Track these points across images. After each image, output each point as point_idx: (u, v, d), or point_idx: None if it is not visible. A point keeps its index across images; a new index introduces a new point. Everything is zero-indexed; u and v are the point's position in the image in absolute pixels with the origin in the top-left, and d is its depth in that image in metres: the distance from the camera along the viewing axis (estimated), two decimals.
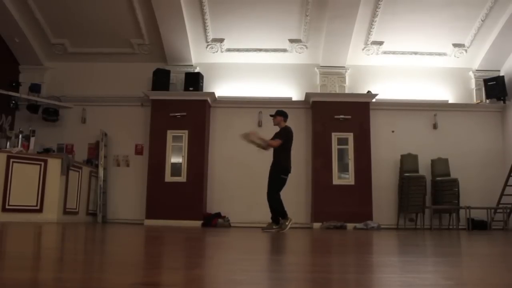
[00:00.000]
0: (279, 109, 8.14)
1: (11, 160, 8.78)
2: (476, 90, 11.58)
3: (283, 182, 7.61)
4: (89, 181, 10.74)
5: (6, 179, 8.65)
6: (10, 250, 3.16)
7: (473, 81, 11.65)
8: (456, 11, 10.44)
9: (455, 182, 10.48)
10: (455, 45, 11.29)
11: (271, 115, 8.01)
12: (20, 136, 9.66)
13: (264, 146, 7.75)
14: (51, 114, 11.30)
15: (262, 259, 2.95)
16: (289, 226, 7.40)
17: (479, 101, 11.45)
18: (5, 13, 10.37)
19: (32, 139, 9.88)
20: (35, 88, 11.18)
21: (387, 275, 2.15)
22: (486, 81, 11.31)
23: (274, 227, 7.48)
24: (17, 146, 9.37)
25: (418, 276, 2.08)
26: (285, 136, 7.69)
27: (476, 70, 11.56)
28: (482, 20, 10.65)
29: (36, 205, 8.95)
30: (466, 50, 11.34)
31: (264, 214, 10.73)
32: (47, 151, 10.08)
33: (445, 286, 1.78)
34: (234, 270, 2.21)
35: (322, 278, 2.00)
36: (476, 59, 11.47)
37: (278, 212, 7.51)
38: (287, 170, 7.66)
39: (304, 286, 1.79)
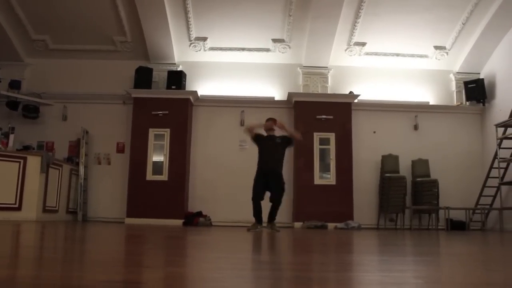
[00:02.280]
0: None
1: None
2: (456, 92, 11.71)
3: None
4: (70, 179, 10.63)
5: None
6: None
7: (453, 83, 11.79)
8: (438, 14, 10.55)
9: (434, 183, 10.59)
10: (436, 47, 11.41)
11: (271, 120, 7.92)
12: None
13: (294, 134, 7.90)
14: (31, 111, 11.16)
15: (240, 257, 2.96)
16: (253, 230, 7.39)
17: (459, 103, 11.59)
18: None
19: (11, 136, 9.75)
20: (15, 85, 11.02)
21: (361, 274, 2.18)
22: (466, 83, 11.45)
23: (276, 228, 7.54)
24: None
25: (390, 274, 2.11)
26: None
27: (457, 72, 11.69)
28: (463, 23, 10.78)
29: (15, 203, 8.83)
30: (447, 53, 11.47)
31: (245, 213, 10.77)
32: (26, 148, 9.97)
33: (414, 284, 1.81)
34: (210, 269, 2.22)
35: (298, 276, 2.02)
36: (457, 61, 11.61)
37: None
38: None
39: (280, 284, 1.81)
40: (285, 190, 7.72)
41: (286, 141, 7.77)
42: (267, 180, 7.51)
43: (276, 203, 7.55)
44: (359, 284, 1.84)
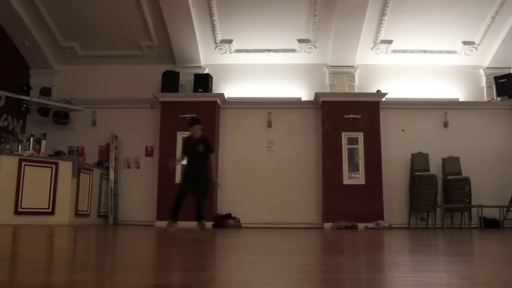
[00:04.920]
0: (195, 118, 8.23)
1: (23, 163, 8.84)
2: (486, 87, 11.50)
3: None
4: (100, 183, 10.79)
5: (18, 182, 8.71)
6: (23, 253, 3.19)
7: (483, 79, 11.57)
8: (465, 9, 10.37)
9: (466, 180, 10.40)
10: (465, 42, 11.21)
11: (190, 124, 7.93)
12: (32, 139, 9.72)
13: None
14: (62, 117, 11.37)
15: (274, 259, 2.94)
16: (170, 228, 7.51)
17: (490, 99, 11.37)
18: (15, 17, 10.46)
19: (43, 142, 9.94)
20: (45, 92, 11.25)
21: (401, 275, 2.14)
22: (496, 78, 11.24)
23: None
24: (29, 150, 9.43)
25: (433, 275, 2.06)
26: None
27: (487, 67, 11.47)
28: (492, 17, 10.57)
29: (48, 208, 9.01)
30: (476, 48, 11.27)
31: (274, 215, 10.79)
32: (58, 154, 10.14)
33: (459, 285, 1.77)
34: (247, 271, 2.20)
35: (336, 278, 1.99)
36: (486, 56, 11.39)
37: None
38: None
39: (319, 286, 1.78)
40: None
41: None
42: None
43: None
44: (405, 286, 1.81)
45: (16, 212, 8.60)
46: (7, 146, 9.31)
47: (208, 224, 10.27)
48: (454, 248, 4.27)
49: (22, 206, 8.69)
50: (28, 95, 11.09)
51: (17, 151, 9.34)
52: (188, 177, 7.73)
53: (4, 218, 8.34)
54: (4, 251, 3.29)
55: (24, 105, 11.10)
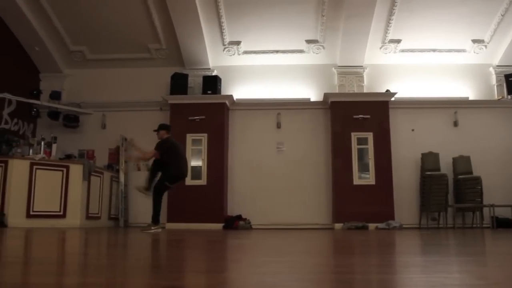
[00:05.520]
0: (161, 123, 8.67)
1: (34, 167, 8.90)
2: (497, 86, 11.41)
3: (166, 188, 8.04)
4: (111, 186, 10.83)
5: (30, 186, 8.77)
6: (36, 256, 3.20)
7: (494, 77, 11.49)
8: (474, 7, 10.30)
9: (477, 180, 10.32)
10: (474, 41, 11.14)
11: (154, 130, 8.37)
12: (42, 143, 9.78)
13: (141, 156, 8.59)
14: (72, 121, 11.43)
15: (287, 261, 2.93)
16: (153, 231, 7.51)
17: (500, 97, 11.28)
18: (25, 22, 10.53)
19: (54, 146, 9.99)
20: (55, 96, 11.32)
21: (419, 275, 2.13)
22: (507, 76, 11.15)
23: (152, 228, 7.65)
24: (40, 153, 9.48)
25: (449, 276, 2.05)
26: (160, 148, 8.01)
27: (497, 65, 11.39)
28: (502, 15, 10.49)
29: (59, 211, 9.06)
30: (486, 46, 11.19)
31: (284, 215, 10.78)
32: (68, 157, 10.18)
33: (476, 286, 1.75)
34: (261, 273, 2.20)
35: (350, 279, 1.98)
36: (496, 54, 11.31)
37: (155, 213, 7.81)
38: (172, 178, 7.99)
39: (337, 287, 1.78)
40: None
41: None
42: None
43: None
44: (421, 287, 1.79)
45: (28, 216, 8.66)
46: (19, 150, 9.37)
47: (218, 226, 10.30)
48: (467, 248, 4.24)
49: (34, 210, 8.75)
50: (38, 99, 11.16)
51: (28, 155, 9.40)
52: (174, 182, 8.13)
53: (16, 221, 8.40)
54: (17, 254, 3.31)
55: (35, 109, 11.17)
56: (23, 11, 10.25)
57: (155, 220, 7.75)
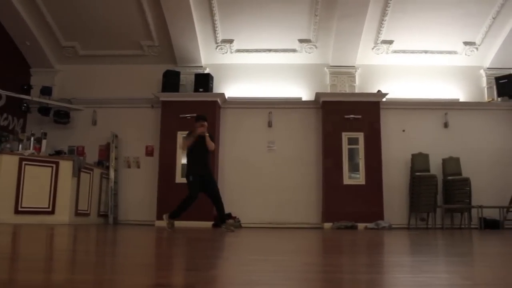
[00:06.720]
0: (202, 115, 7.91)
1: (23, 162, 8.83)
2: (487, 88, 11.49)
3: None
4: (100, 182, 10.78)
5: (19, 182, 8.70)
6: (23, 252, 3.18)
7: (484, 79, 11.57)
8: (466, 9, 10.37)
9: (466, 181, 10.40)
10: (465, 43, 11.21)
11: (202, 122, 7.70)
12: (32, 138, 9.72)
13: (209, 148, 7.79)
14: (62, 117, 11.36)
15: (276, 259, 2.94)
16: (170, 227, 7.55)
17: (490, 100, 11.36)
18: (16, 17, 10.45)
19: (44, 142, 9.94)
20: (46, 91, 11.24)
21: (403, 275, 2.14)
22: (497, 79, 11.23)
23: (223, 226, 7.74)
24: (29, 149, 9.43)
25: (436, 276, 2.06)
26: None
27: (487, 68, 11.47)
28: (493, 18, 10.57)
29: (48, 207, 9.01)
30: (477, 48, 11.26)
31: (274, 214, 10.79)
32: (58, 153, 10.14)
33: (462, 286, 1.76)
34: (250, 271, 2.20)
35: (338, 278, 1.98)
36: (487, 57, 11.39)
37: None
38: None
39: (322, 286, 1.78)
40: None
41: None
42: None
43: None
44: (408, 286, 1.80)
45: (17, 212, 8.60)
46: (8, 145, 9.32)
47: (208, 224, 10.28)
48: (455, 248, 4.26)
49: (23, 206, 8.69)
50: (28, 94, 11.08)
51: (18, 150, 9.35)
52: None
53: (4, 217, 8.34)
54: (4, 250, 3.29)
55: (25, 105, 11.09)
56: (14, 5, 10.18)
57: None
